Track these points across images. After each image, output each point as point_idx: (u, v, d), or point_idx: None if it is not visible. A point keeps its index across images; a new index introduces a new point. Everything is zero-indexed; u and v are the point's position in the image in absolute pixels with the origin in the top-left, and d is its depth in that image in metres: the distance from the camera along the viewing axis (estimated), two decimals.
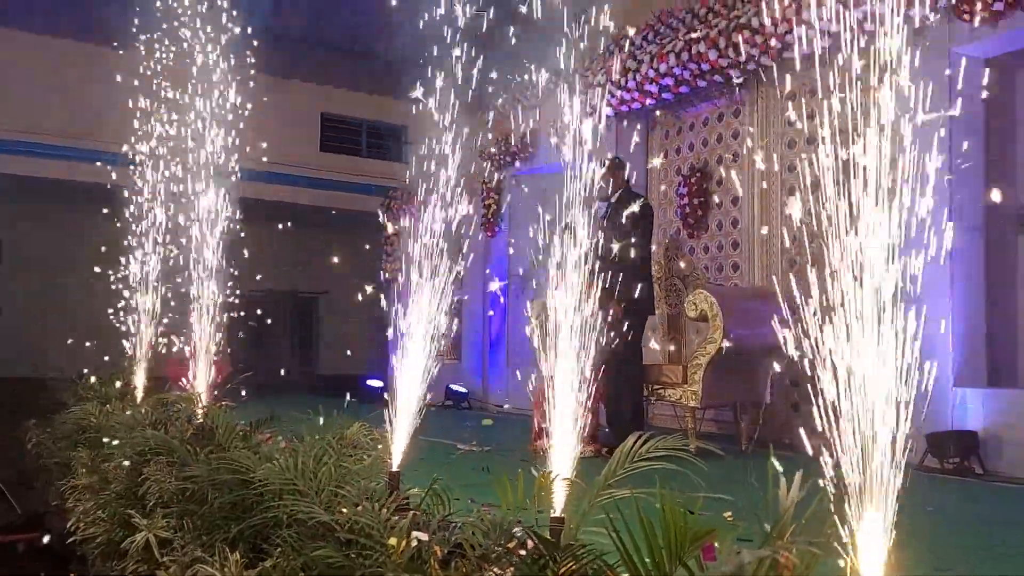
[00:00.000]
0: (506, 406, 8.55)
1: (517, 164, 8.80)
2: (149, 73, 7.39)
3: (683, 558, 1.59)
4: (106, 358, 7.54)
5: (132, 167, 9.75)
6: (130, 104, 9.44)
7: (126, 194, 8.68)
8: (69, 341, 9.83)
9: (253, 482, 2.97)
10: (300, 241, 12.71)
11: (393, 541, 2.33)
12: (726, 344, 4.86)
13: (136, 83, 7.90)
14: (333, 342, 13.75)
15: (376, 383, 9.89)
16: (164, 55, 6.47)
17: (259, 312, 12.56)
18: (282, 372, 13.19)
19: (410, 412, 3.22)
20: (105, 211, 10.84)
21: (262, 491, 2.85)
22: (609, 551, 1.82)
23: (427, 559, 2.36)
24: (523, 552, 2.10)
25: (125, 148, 9.78)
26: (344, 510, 2.58)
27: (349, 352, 12.91)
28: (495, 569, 2.15)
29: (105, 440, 4.39)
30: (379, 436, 3.23)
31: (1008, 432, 4.61)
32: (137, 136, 9.47)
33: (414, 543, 2.26)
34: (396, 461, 3.08)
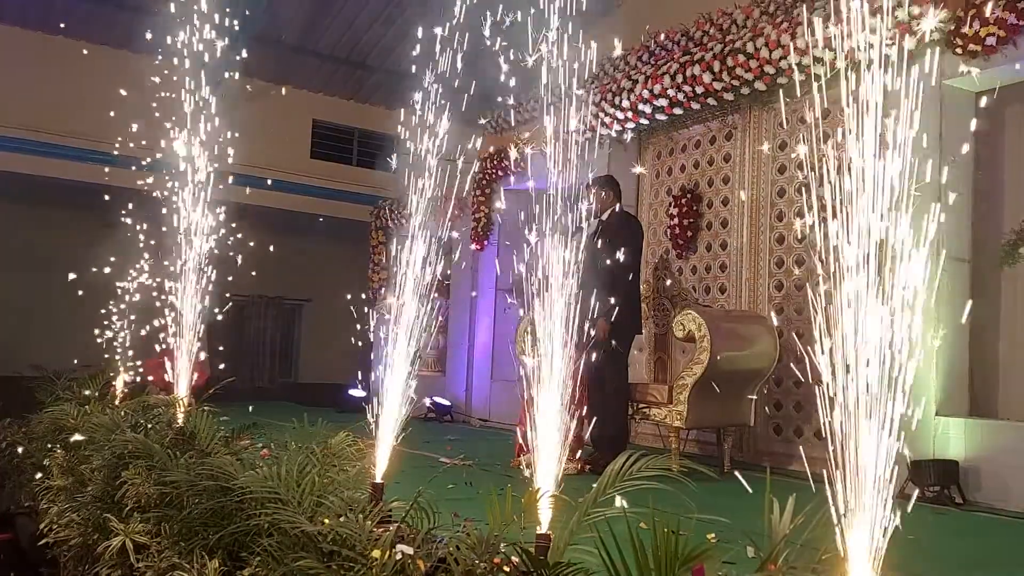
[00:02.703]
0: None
1: (508, 179, 8.80)
2: (143, 74, 7.35)
3: None
4: (77, 359, 7.46)
5: (118, 166, 9.70)
6: (122, 104, 9.39)
7: (106, 196, 8.62)
8: (49, 339, 9.74)
9: (234, 489, 2.94)
10: (286, 248, 12.64)
11: (377, 554, 2.31)
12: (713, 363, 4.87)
13: (130, 84, 7.87)
14: (314, 350, 13.67)
15: (358, 393, 9.84)
16: (159, 57, 6.44)
17: (241, 318, 12.50)
18: (261, 380, 13.13)
19: (393, 424, 3.22)
20: (92, 211, 10.77)
21: (243, 498, 2.82)
22: (596, 570, 1.81)
23: (411, 573, 2.34)
24: (507, 569, 2.08)
25: (116, 148, 9.72)
26: (326, 520, 2.55)
27: (329, 361, 12.86)
28: None
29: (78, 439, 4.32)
30: (363, 447, 3.21)
31: (988, 462, 4.64)
32: (128, 136, 9.41)
33: (398, 556, 2.23)
34: (379, 473, 3.06)
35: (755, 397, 5.34)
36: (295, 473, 2.79)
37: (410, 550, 2.23)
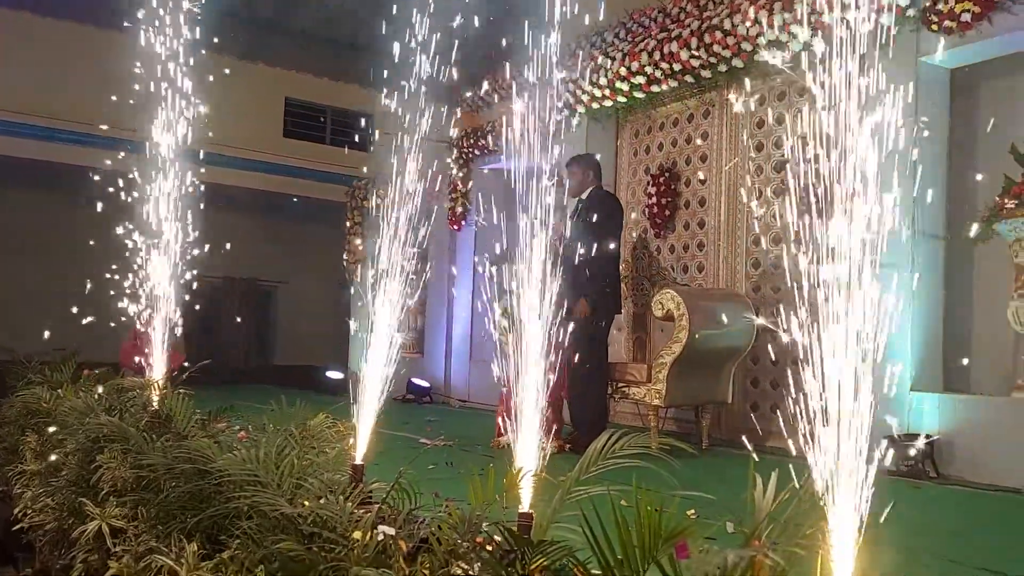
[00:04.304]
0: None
1: (485, 158, 8.76)
2: (111, 51, 7.20)
3: (656, 556, 1.58)
4: (48, 343, 7.36)
5: (87, 145, 9.52)
6: (90, 82, 9.20)
7: (75, 176, 8.42)
8: (19, 322, 9.58)
9: (212, 472, 2.91)
10: (260, 228, 12.51)
11: (358, 535, 2.29)
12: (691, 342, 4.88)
13: (98, 60, 7.71)
14: (291, 332, 13.59)
15: (336, 375, 9.79)
16: (132, 34, 6.31)
17: (216, 299, 12.37)
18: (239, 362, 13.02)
19: (374, 405, 3.20)
20: (60, 191, 10.57)
21: (222, 481, 2.79)
22: (579, 548, 1.80)
23: (392, 553, 2.33)
24: (490, 548, 2.07)
25: (84, 127, 9.55)
26: (306, 503, 2.53)
27: (306, 343, 12.80)
28: (462, 564, 2.12)
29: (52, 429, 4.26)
30: (343, 428, 3.19)
31: (960, 436, 4.71)
32: (96, 115, 9.22)
33: (380, 537, 2.22)
34: (360, 454, 3.04)
35: (734, 373, 5.38)
36: (274, 455, 2.76)
37: (392, 531, 2.22)
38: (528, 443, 2.27)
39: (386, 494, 2.60)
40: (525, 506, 2.17)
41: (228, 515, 2.80)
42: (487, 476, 2.14)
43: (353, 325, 9.01)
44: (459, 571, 2.13)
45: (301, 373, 10.65)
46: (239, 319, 12.95)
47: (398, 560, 2.30)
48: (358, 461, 3.01)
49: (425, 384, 8.96)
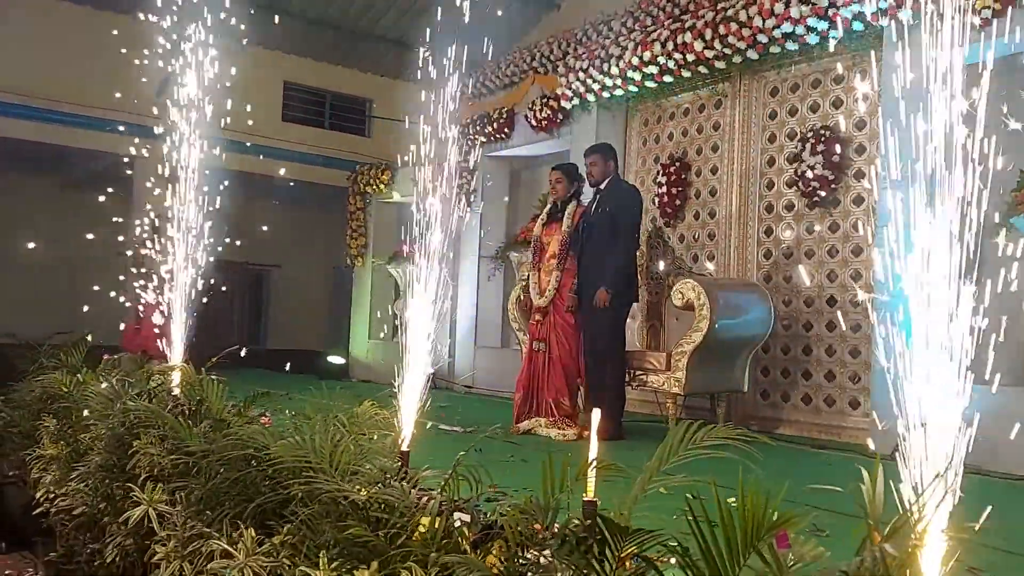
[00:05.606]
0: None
1: (491, 143, 8.75)
2: (117, 35, 7.15)
3: (757, 545, 1.61)
4: (49, 327, 7.32)
5: (84, 127, 9.41)
6: (93, 66, 9.09)
7: (71, 158, 8.33)
8: (17, 307, 9.49)
9: (262, 458, 2.92)
10: (253, 212, 12.40)
11: (425, 521, 2.32)
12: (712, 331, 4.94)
13: (105, 45, 7.62)
14: (284, 316, 13.52)
15: (338, 360, 9.78)
16: (131, 19, 6.26)
17: (215, 283, 12.26)
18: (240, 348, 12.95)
19: (416, 392, 3.24)
20: (55, 174, 10.45)
21: (276, 468, 2.80)
22: (674, 536, 1.83)
23: (456, 540, 2.35)
24: (567, 534, 2.10)
25: (82, 110, 9.42)
26: (363, 490, 2.55)
27: (299, 327, 12.75)
28: (534, 551, 2.15)
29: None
30: (388, 415, 3.21)
31: (980, 426, 4.78)
32: (95, 98, 9.12)
33: (456, 524, 2.24)
34: (406, 441, 3.07)
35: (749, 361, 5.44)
36: (329, 442, 2.78)
37: (467, 518, 2.25)
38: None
39: (444, 481, 2.63)
40: (590, 494, 2.20)
41: (280, 501, 2.82)
42: (561, 464, 2.16)
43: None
44: (531, 557, 2.16)
45: (300, 357, 10.62)
46: (238, 303, 12.88)
47: (464, 546, 2.33)
48: (404, 448, 3.04)
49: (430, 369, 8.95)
